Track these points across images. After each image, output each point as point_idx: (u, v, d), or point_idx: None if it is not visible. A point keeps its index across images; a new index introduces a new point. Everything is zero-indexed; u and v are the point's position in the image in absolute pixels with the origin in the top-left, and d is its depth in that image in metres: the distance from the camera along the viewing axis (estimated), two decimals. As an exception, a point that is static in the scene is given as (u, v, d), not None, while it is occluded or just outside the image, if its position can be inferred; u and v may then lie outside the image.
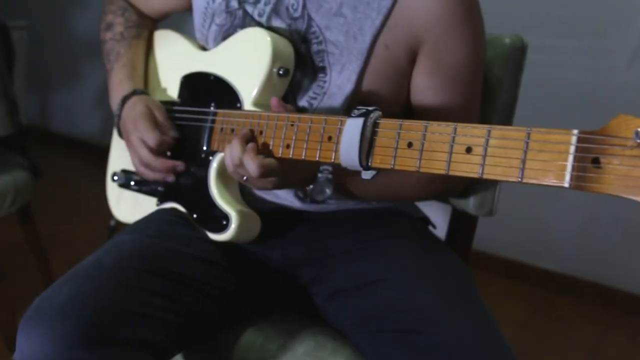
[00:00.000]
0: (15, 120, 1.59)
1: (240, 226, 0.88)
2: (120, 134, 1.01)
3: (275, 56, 0.86)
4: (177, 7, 1.09)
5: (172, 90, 1.03)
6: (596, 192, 0.51)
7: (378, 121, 0.68)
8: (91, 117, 3.16)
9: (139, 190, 1.05)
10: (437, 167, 0.63)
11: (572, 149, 0.53)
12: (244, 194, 0.94)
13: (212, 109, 0.93)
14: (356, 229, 0.95)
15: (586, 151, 0.52)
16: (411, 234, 0.97)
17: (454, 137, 0.61)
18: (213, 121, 0.91)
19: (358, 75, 0.86)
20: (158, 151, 0.94)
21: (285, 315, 0.96)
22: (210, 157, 0.91)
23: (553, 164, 0.54)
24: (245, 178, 0.81)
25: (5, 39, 1.62)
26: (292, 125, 0.77)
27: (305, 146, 0.75)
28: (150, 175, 0.96)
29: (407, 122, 0.66)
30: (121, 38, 1.08)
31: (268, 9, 0.91)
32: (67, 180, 2.84)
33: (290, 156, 0.77)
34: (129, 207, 1.08)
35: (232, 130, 0.86)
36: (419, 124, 0.65)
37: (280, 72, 0.87)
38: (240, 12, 0.94)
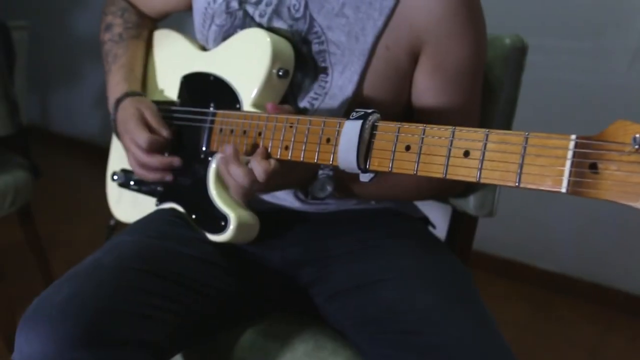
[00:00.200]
0: (15, 121, 1.59)
1: (239, 227, 0.87)
2: (118, 136, 1.01)
3: (275, 57, 0.86)
4: (177, 7, 1.09)
5: (172, 90, 1.03)
6: (593, 197, 0.51)
7: (376, 124, 0.68)
8: (91, 117, 3.17)
9: (139, 190, 1.05)
10: (435, 170, 0.62)
11: (569, 154, 0.52)
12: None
13: (211, 109, 0.93)
14: (356, 229, 0.95)
15: (584, 156, 0.52)
16: (411, 234, 0.97)
17: (451, 141, 0.61)
18: (212, 122, 0.91)
19: (359, 76, 0.86)
20: (151, 151, 0.94)
21: (285, 316, 0.96)
22: (210, 158, 0.91)
23: (550, 169, 0.53)
24: (242, 184, 0.81)
25: (6, 39, 1.62)
26: (290, 126, 0.77)
27: (303, 148, 0.75)
28: (148, 176, 0.96)
29: (405, 125, 0.66)
30: (119, 39, 1.08)
31: (269, 9, 0.91)
32: (67, 180, 2.84)
33: (289, 158, 0.77)
34: (129, 207, 1.08)
35: (231, 131, 0.86)
36: (417, 127, 0.65)
37: (280, 73, 0.86)
38: (240, 13, 0.93)
